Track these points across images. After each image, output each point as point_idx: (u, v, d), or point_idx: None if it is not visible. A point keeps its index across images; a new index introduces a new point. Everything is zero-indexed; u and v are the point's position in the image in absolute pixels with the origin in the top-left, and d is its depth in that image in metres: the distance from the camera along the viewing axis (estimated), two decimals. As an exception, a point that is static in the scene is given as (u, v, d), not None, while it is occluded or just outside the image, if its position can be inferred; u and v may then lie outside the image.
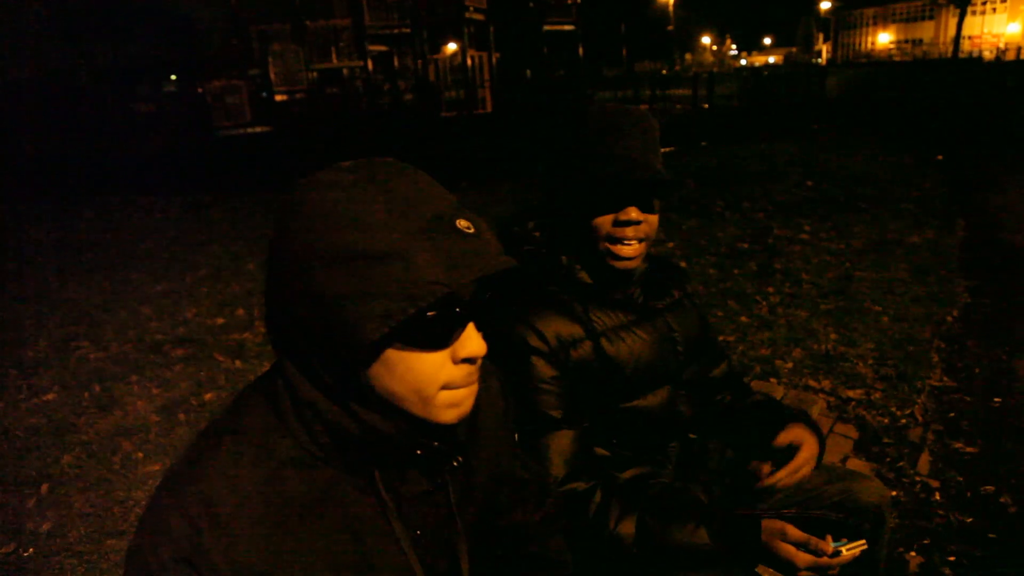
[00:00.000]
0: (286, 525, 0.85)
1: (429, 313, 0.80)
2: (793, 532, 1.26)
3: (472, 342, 0.87)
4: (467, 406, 0.90)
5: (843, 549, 1.23)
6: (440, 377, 0.85)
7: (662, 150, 1.43)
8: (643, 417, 1.51)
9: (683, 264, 5.60)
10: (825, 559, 1.23)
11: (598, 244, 1.41)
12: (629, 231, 1.38)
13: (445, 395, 0.87)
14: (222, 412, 0.93)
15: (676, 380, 1.57)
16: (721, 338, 4.19)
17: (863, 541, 1.26)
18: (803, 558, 1.24)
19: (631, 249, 1.40)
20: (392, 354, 0.82)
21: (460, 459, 0.99)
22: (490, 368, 1.17)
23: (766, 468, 1.46)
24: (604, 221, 1.39)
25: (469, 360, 0.87)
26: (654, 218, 1.42)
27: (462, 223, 0.81)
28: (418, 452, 0.91)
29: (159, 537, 0.82)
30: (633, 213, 1.37)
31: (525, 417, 1.39)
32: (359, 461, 0.90)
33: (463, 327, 0.86)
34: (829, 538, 1.25)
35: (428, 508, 0.99)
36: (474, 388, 0.91)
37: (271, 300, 0.85)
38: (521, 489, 1.24)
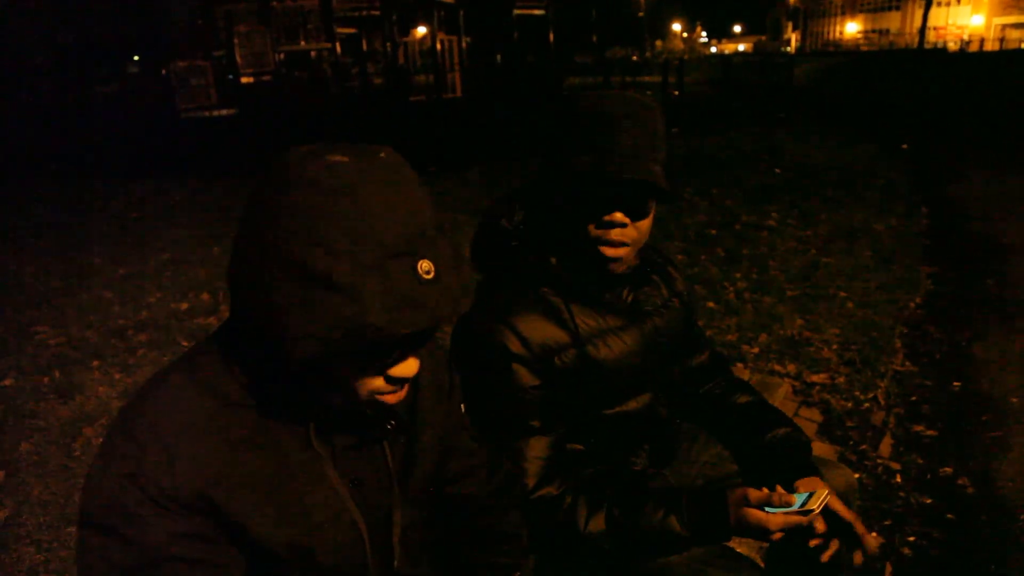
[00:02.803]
0: (225, 456, 0.90)
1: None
2: (754, 493, 1.23)
3: (407, 367, 0.90)
4: (389, 405, 0.94)
5: (814, 506, 1.20)
6: (368, 387, 0.89)
7: None
8: (623, 421, 1.46)
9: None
10: (796, 516, 1.21)
11: (584, 244, 1.31)
12: (613, 233, 1.28)
13: (372, 400, 0.91)
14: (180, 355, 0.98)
15: (659, 384, 1.52)
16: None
17: (826, 490, 1.24)
18: (774, 521, 1.20)
19: (614, 251, 1.31)
20: (324, 365, 0.84)
21: (393, 423, 1.03)
22: (433, 342, 1.18)
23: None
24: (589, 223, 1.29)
25: (399, 380, 0.90)
26: (644, 223, 1.31)
27: (424, 265, 0.80)
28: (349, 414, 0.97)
29: (108, 458, 0.88)
30: (618, 216, 1.26)
31: (500, 421, 1.34)
32: (295, 414, 0.94)
33: (403, 358, 0.89)
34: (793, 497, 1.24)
35: (364, 462, 1.03)
36: (401, 394, 0.94)
37: (237, 259, 0.84)
38: (471, 459, 1.26)
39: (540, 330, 1.34)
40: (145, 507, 0.85)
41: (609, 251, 1.30)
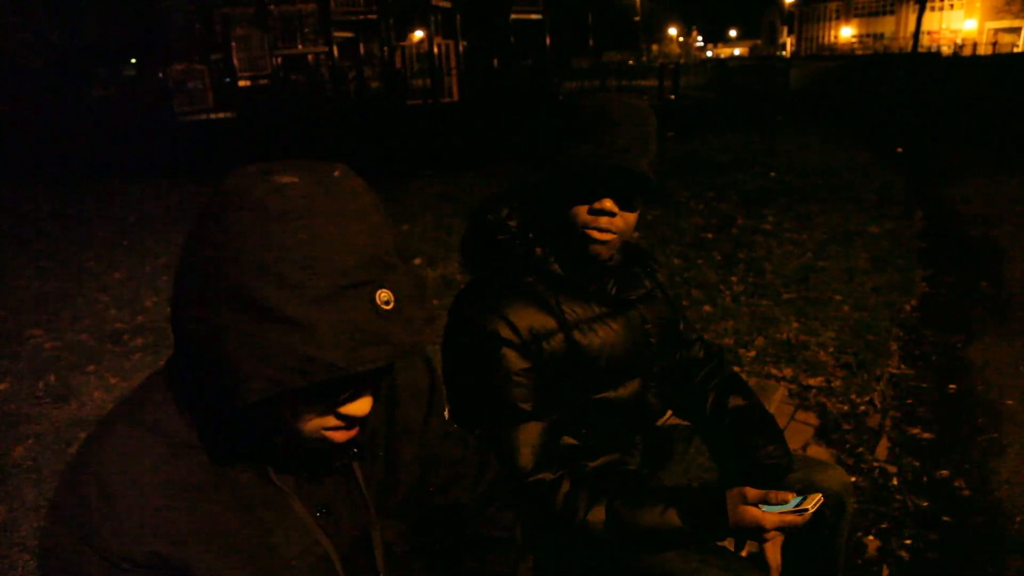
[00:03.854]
0: (179, 505, 0.85)
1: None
2: (751, 491, 1.27)
3: (359, 406, 0.84)
4: (338, 443, 0.89)
5: (808, 506, 1.23)
6: (317, 425, 0.84)
7: None
8: (613, 408, 1.50)
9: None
10: (791, 516, 1.23)
11: (573, 233, 1.38)
12: (602, 220, 1.35)
13: (318, 437, 0.85)
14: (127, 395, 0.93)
15: (647, 372, 1.56)
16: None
17: (819, 495, 1.26)
18: (769, 519, 1.24)
19: (602, 240, 1.37)
20: (273, 403, 0.78)
21: (356, 449, 0.97)
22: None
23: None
24: (580, 210, 1.36)
25: (350, 419, 0.85)
26: (631, 216, 1.39)
27: (382, 296, 0.74)
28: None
29: (57, 521, 0.83)
30: (608, 204, 1.34)
31: (494, 408, 1.37)
32: (250, 453, 0.89)
33: (356, 396, 0.84)
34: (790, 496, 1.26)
35: (332, 487, 0.98)
36: (351, 433, 0.88)
37: (180, 291, 0.78)
38: (457, 466, 1.23)
39: (528, 317, 1.40)
40: (99, 569, 0.82)
41: (596, 235, 1.37)
